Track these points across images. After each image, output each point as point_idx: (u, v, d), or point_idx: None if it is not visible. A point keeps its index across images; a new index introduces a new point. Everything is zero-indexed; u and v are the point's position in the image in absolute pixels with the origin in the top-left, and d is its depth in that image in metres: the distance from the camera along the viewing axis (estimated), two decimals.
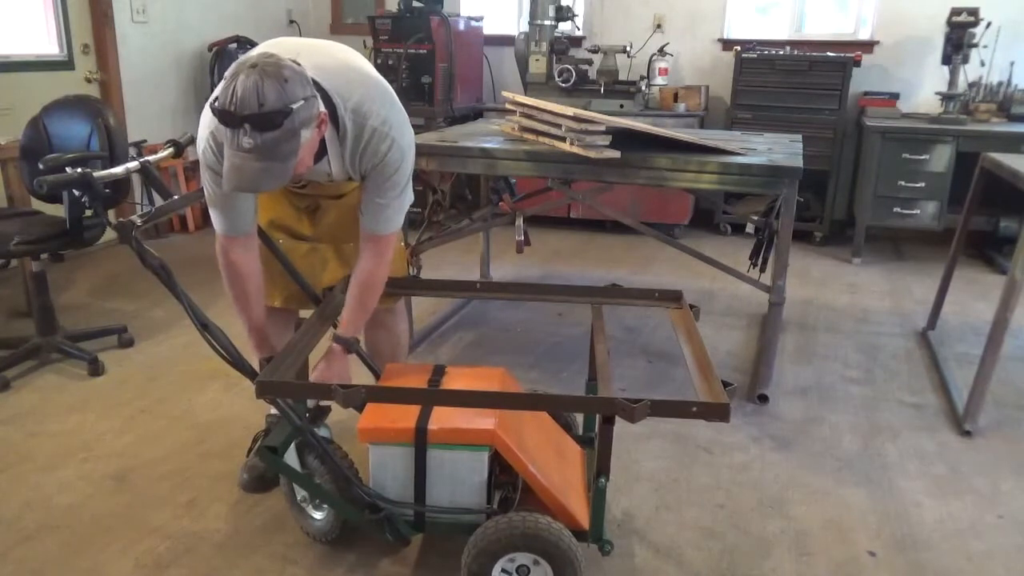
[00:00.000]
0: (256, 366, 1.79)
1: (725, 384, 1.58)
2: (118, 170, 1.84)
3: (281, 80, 1.44)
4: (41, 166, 2.32)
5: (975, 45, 4.29)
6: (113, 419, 2.57)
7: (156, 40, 4.76)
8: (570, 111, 2.55)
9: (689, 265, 4.18)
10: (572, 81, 4.84)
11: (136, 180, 3.91)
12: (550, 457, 1.83)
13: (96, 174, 1.73)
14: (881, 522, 2.09)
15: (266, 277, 1.96)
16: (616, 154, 2.55)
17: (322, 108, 1.57)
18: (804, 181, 2.59)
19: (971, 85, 4.63)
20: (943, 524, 2.09)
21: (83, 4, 4.32)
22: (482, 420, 1.72)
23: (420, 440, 1.71)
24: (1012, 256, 2.52)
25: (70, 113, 2.96)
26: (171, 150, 2.00)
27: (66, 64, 4.27)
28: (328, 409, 2.00)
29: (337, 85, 1.65)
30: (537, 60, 4.98)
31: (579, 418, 2.18)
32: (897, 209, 4.44)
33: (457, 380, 1.90)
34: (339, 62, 1.71)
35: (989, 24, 4.36)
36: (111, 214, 3.95)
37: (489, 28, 5.55)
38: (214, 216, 1.77)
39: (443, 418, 1.73)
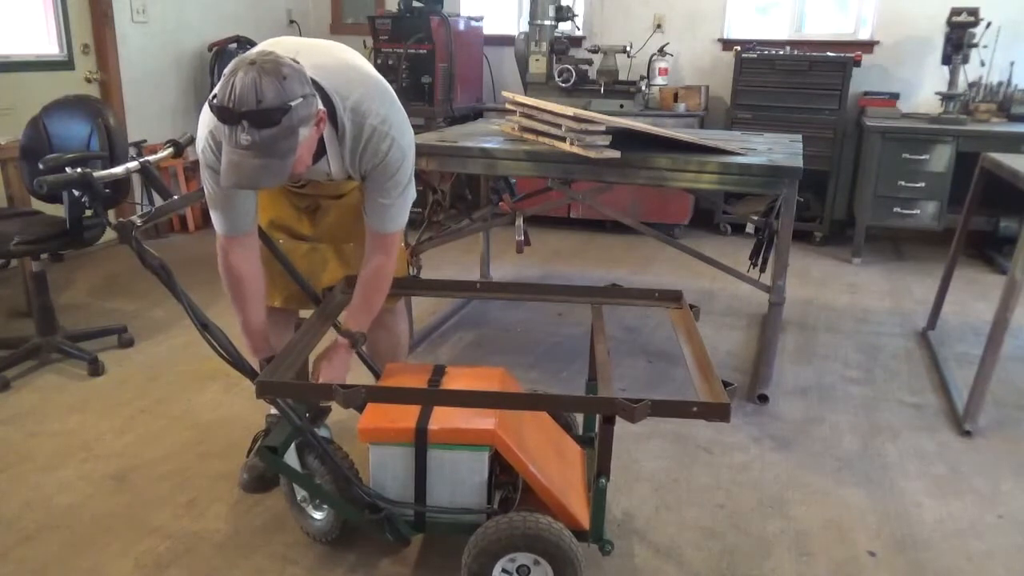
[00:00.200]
0: (254, 365, 1.79)
1: (725, 384, 1.58)
2: (118, 170, 1.84)
3: (280, 77, 1.44)
4: (41, 166, 2.32)
5: (975, 45, 4.29)
6: (113, 419, 2.57)
7: (156, 40, 4.76)
8: (570, 111, 2.55)
9: (689, 265, 4.18)
10: (572, 81, 4.84)
11: (136, 180, 3.91)
12: (550, 457, 1.83)
13: (96, 174, 1.73)
14: (881, 522, 2.09)
15: (266, 277, 1.96)
16: (616, 154, 2.55)
17: (321, 106, 1.56)
18: (804, 181, 2.59)
19: (971, 85, 4.63)
20: (943, 524, 2.09)
21: (83, 4, 4.33)
22: (482, 420, 1.72)
23: (420, 440, 1.71)
24: (1012, 256, 2.52)
25: (70, 113, 2.96)
26: (171, 150, 2.00)
27: (66, 64, 4.27)
28: (328, 409, 2.00)
29: (336, 84, 1.65)
30: (537, 60, 4.98)
31: (579, 418, 2.18)
32: (897, 209, 4.44)
33: (457, 380, 1.90)
34: (338, 61, 1.71)
35: (989, 24, 4.36)
36: (111, 214, 3.95)
37: (489, 28, 5.55)
38: (214, 216, 1.77)
39: (443, 418, 1.73)
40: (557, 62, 4.93)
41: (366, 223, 1.84)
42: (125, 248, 1.57)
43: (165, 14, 4.79)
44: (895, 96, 4.73)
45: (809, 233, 4.88)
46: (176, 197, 1.79)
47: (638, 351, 3.21)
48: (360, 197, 1.87)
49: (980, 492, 2.24)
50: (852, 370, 3.06)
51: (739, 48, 4.76)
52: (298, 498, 1.93)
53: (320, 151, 1.69)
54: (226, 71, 1.47)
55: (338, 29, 5.90)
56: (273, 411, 2.12)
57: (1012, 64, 4.63)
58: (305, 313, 2.06)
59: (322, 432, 2.07)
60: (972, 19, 4.23)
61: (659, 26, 5.24)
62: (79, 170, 1.72)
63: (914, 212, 4.42)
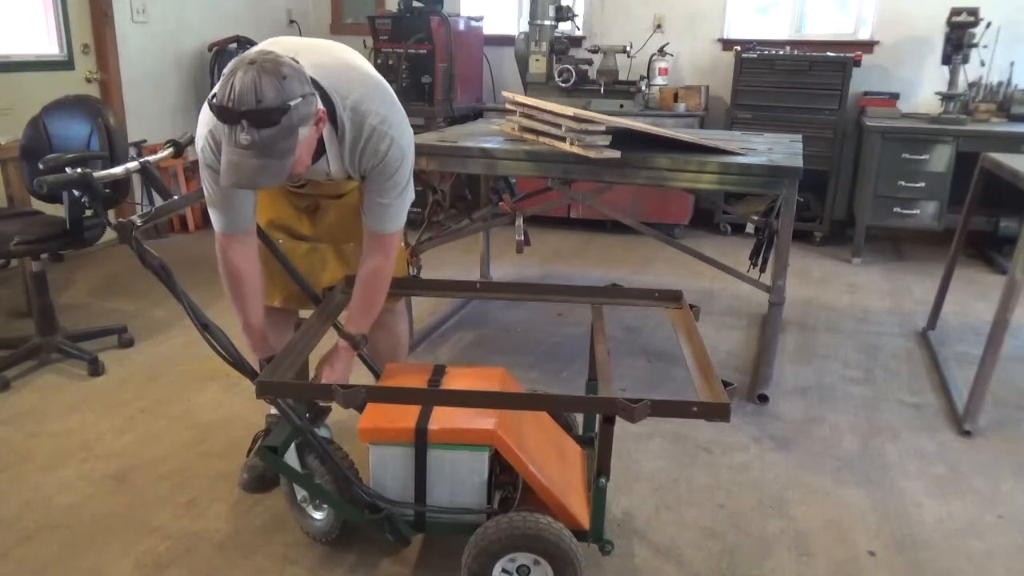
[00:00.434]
0: (254, 365, 1.79)
1: (725, 384, 1.58)
2: (118, 170, 1.84)
3: (279, 77, 1.44)
4: (41, 166, 2.32)
5: (975, 45, 4.28)
6: (113, 419, 2.57)
7: (156, 40, 4.76)
8: (570, 111, 2.55)
9: (689, 265, 4.18)
10: (572, 81, 4.84)
11: (136, 180, 3.91)
12: (550, 457, 1.83)
13: (96, 174, 1.73)
14: (881, 522, 2.09)
15: (266, 277, 1.96)
16: (616, 154, 2.55)
17: (320, 106, 1.56)
18: (804, 181, 2.59)
19: (971, 85, 4.63)
20: (943, 524, 2.09)
21: (83, 4, 4.32)
22: (482, 420, 1.72)
23: (420, 440, 1.71)
24: (1012, 256, 2.52)
25: (70, 113, 2.96)
26: (171, 150, 2.00)
27: (66, 64, 4.27)
28: (328, 409, 2.00)
29: (336, 84, 1.65)
30: (537, 60, 4.98)
31: (579, 418, 2.18)
32: (897, 209, 4.44)
33: (457, 380, 1.90)
34: (338, 61, 1.71)
35: (989, 24, 4.36)
36: (111, 214, 3.95)
37: (489, 28, 5.55)
38: (213, 214, 1.77)
39: (443, 418, 1.73)
40: (557, 62, 4.93)
41: (364, 223, 1.83)
42: (125, 248, 1.57)
43: (165, 14, 4.79)
44: (895, 96, 4.73)
45: (809, 233, 4.88)
46: (176, 197, 1.79)
47: (638, 351, 3.21)
48: (360, 197, 1.87)
49: (980, 492, 2.24)
50: (852, 370, 3.06)
51: (739, 48, 4.76)
52: (298, 498, 1.93)
53: (320, 151, 1.69)
54: (226, 70, 1.47)
55: (338, 29, 5.90)
56: (273, 411, 2.12)
57: (1012, 64, 4.63)
58: (305, 313, 2.06)
59: (322, 432, 2.07)
60: (972, 19, 4.23)
61: (659, 26, 5.24)
62: (79, 170, 1.72)
63: (914, 212, 4.42)
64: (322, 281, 2.06)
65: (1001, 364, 2.71)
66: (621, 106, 4.86)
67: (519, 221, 3.19)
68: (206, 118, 1.64)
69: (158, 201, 1.80)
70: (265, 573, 1.85)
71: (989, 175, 2.99)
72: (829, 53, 4.63)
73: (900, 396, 2.84)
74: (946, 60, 4.39)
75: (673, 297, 2.05)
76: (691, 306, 1.99)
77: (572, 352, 3.17)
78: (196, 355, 3.02)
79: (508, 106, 3.01)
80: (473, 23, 5.37)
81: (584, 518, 1.74)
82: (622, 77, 4.99)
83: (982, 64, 4.53)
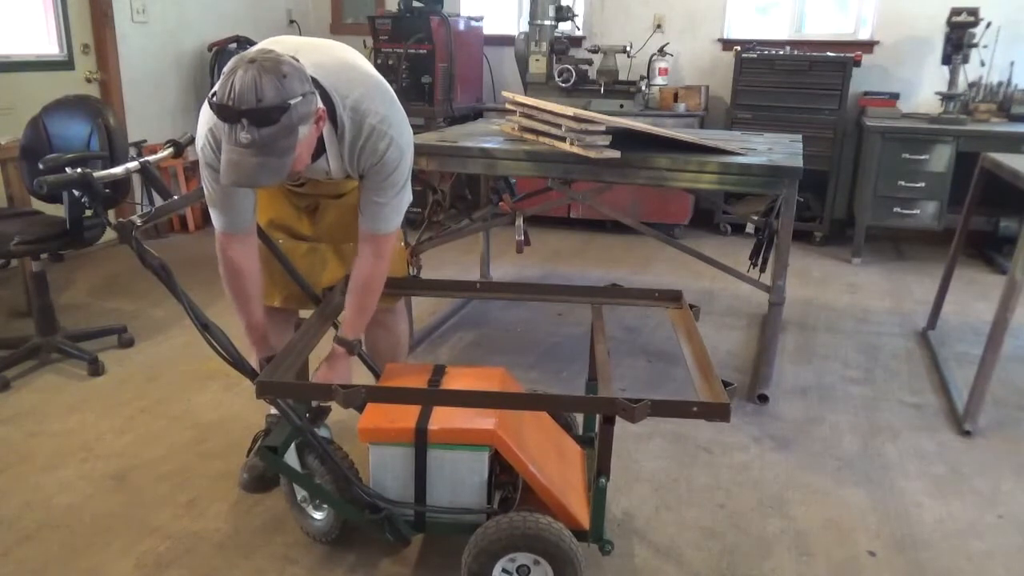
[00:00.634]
0: (254, 364, 1.79)
1: (725, 384, 1.58)
2: (118, 170, 1.84)
3: (279, 76, 1.44)
4: (41, 166, 2.32)
5: (975, 45, 4.28)
6: (113, 419, 2.57)
7: (156, 40, 4.76)
8: (570, 111, 2.55)
9: (689, 265, 4.18)
10: (572, 81, 4.84)
11: (136, 180, 3.91)
12: (550, 457, 1.83)
13: (96, 174, 1.73)
14: (881, 522, 2.09)
15: (266, 277, 1.96)
16: (616, 154, 2.55)
17: (320, 105, 1.57)
18: (804, 181, 2.59)
19: (971, 85, 4.63)
20: (943, 524, 2.09)
21: (83, 4, 4.32)
22: (482, 420, 1.72)
23: (420, 440, 1.71)
24: (1012, 256, 2.52)
25: (70, 113, 2.96)
26: (171, 150, 2.00)
27: (66, 64, 4.27)
28: (328, 409, 2.00)
29: (336, 83, 1.65)
30: (537, 60, 4.98)
31: (579, 418, 2.18)
32: (897, 209, 4.44)
33: (457, 380, 1.90)
34: (338, 60, 1.71)
35: (989, 24, 4.36)
36: (111, 214, 3.95)
37: (489, 28, 5.55)
38: (213, 213, 1.77)
39: (443, 418, 1.73)
40: (557, 62, 4.93)
41: (359, 224, 1.83)
42: (125, 248, 1.57)
43: (165, 14, 4.79)
44: (895, 96, 4.73)
45: (809, 233, 4.88)
46: (176, 197, 1.79)
47: (638, 351, 3.21)
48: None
49: (980, 492, 2.24)
50: (852, 370, 3.06)
51: (739, 48, 4.76)
52: (298, 498, 1.93)
53: (319, 149, 1.69)
54: (226, 69, 1.47)
55: (338, 29, 5.91)
56: (273, 411, 2.12)
57: (1012, 64, 4.63)
58: (305, 313, 2.06)
59: (322, 432, 2.07)
60: (972, 19, 4.23)
61: (659, 26, 5.24)
62: (79, 170, 1.72)
63: (914, 212, 4.42)
64: (322, 281, 2.06)
65: (1001, 364, 2.71)
66: (621, 106, 4.86)
67: (519, 221, 3.20)
68: (207, 116, 1.64)
69: (158, 201, 1.80)
70: (265, 573, 1.85)
71: (989, 175, 2.99)
72: (829, 53, 4.63)
73: (900, 396, 2.84)
74: (946, 60, 4.39)
75: (673, 297, 2.05)
76: (691, 306, 1.99)
77: (572, 352, 3.17)
78: (196, 355, 3.02)
79: (508, 106, 3.01)
80: (473, 23, 5.37)
81: (584, 518, 1.73)
82: (622, 77, 4.99)
83: (982, 64, 4.53)
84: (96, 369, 2.88)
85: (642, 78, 4.89)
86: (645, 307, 2.13)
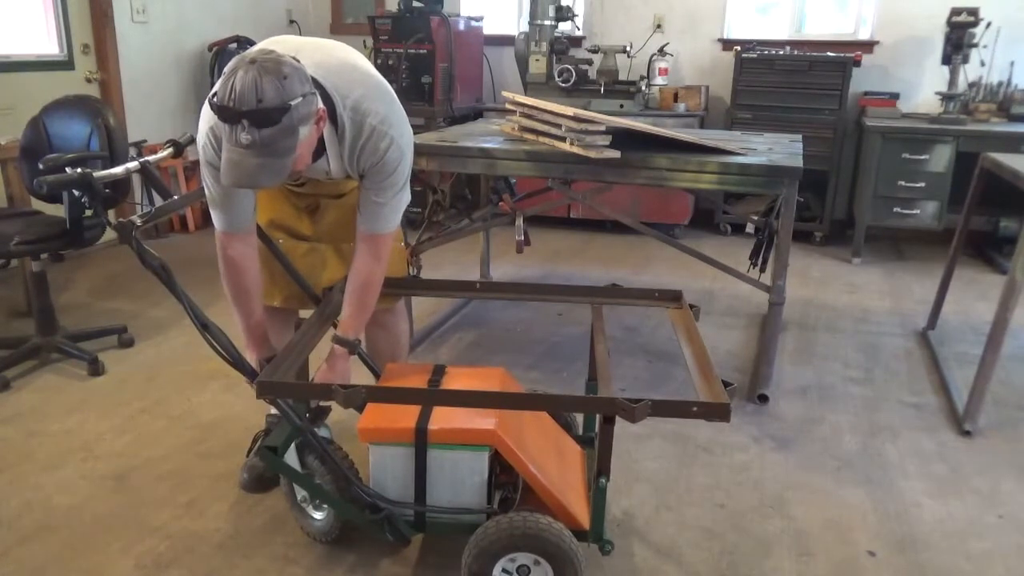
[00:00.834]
0: (252, 363, 1.79)
1: (725, 384, 1.58)
2: (118, 170, 1.84)
3: (280, 76, 1.44)
4: (41, 166, 2.32)
5: (975, 45, 4.28)
6: (113, 419, 2.57)
7: (156, 40, 4.76)
8: (570, 111, 2.55)
9: (689, 265, 4.18)
10: (572, 81, 4.84)
11: (136, 180, 3.91)
12: (550, 457, 1.83)
13: (96, 174, 1.73)
14: (881, 522, 2.09)
15: (266, 277, 1.96)
16: (616, 154, 2.55)
17: (320, 105, 1.57)
18: (804, 181, 2.59)
19: (971, 85, 4.64)
20: (943, 524, 2.09)
21: (83, 4, 4.32)
22: (482, 420, 1.72)
23: (420, 440, 1.71)
24: (1012, 256, 2.52)
25: (70, 113, 2.96)
26: (171, 150, 2.00)
27: (66, 64, 4.27)
28: (328, 409, 2.00)
29: (336, 83, 1.65)
30: (537, 60, 4.98)
31: (579, 418, 2.18)
32: (897, 209, 4.44)
33: (457, 380, 1.90)
34: (339, 60, 1.71)
35: (989, 24, 4.36)
36: (111, 214, 3.95)
37: (489, 28, 5.55)
38: (213, 213, 1.77)
39: (443, 418, 1.73)
40: (557, 62, 4.93)
41: (358, 224, 1.83)
42: (125, 248, 1.57)
43: (165, 14, 4.79)
44: (895, 96, 4.73)
45: (809, 233, 4.88)
46: (176, 197, 1.79)
47: (638, 351, 3.21)
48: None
49: (980, 492, 2.24)
50: (852, 370, 3.06)
51: (739, 48, 4.76)
52: (298, 498, 1.93)
53: (320, 150, 1.69)
54: (226, 69, 1.47)
55: (338, 29, 5.91)
56: (273, 411, 2.12)
57: (1012, 64, 4.63)
58: (305, 313, 2.06)
59: (322, 432, 2.07)
60: (972, 19, 4.23)
61: (659, 26, 5.24)
62: (79, 170, 1.72)
63: (914, 212, 4.42)
64: (322, 281, 2.06)
65: (1001, 364, 2.71)
66: (621, 106, 4.86)
67: (519, 221, 3.19)
68: (207, 116, 1.63)
69: (158, 201, 1.80)
70: (265, 573, 1.85)
71: (989, 175, 2.99)
72: (829, 53, 4.63)
73: (900, 396, 2.84)
74: (946, 60, 4.39)
75: (673, 297, 2.05)
76: (691, 306, 1.99)
77: (572, 352, 3.17)
78: (196, 355, 3.02)
79: (508, 106, 3.01)
80: (473, 23, 5.37)
81: (584, 518, 1.73)
82: (622, 77, 4.99)
83: (982, 64, 4.53)
84: (96, 369, 2.88)
85: (642, 78, 4.89)
86: (645, 307, 2.13)
